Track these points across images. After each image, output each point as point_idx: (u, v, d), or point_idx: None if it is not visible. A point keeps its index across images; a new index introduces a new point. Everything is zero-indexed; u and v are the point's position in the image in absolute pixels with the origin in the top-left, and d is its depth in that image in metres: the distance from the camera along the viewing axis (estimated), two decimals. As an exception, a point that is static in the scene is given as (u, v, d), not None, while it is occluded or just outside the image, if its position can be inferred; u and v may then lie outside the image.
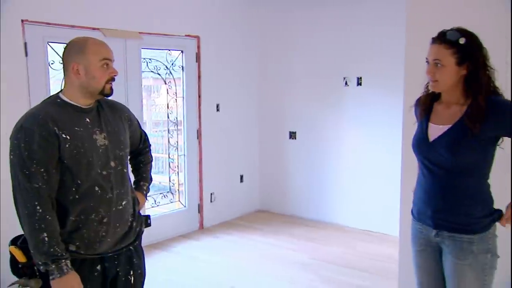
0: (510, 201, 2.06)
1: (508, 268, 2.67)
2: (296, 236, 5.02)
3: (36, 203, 1.76)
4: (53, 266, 1.75)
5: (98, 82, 1.89)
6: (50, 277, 1.77)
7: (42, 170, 1.78)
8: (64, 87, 1.95)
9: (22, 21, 3.65)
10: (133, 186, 2.16)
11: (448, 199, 2.02)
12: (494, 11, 2.73)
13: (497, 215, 2.04)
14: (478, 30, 2.00)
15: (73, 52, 1.89)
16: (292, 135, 5.66)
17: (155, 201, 5.01)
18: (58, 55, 3.92)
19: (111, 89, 1.96)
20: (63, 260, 1.77)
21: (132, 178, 2.24)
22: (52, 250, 1.75)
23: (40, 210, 1.76)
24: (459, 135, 1.96)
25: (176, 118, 5.10)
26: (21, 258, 1.82)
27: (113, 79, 1.95)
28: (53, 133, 1.80)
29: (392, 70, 4.56)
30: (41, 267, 1.77)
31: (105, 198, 1.90)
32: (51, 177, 1.80)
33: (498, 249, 2.05)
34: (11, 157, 1.81)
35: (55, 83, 3.98)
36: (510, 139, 2.04)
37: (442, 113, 2.07)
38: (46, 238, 1.75)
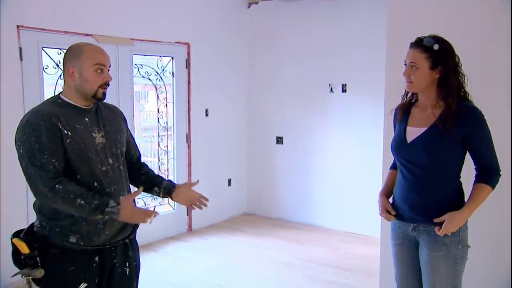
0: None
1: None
2: (282, 237, 5.15)
3: (55, 184, 1.86)
4: (105, 215, 1.90)
5: (91, 85, 1.98)
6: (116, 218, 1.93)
7: (54, 160, 1.88)
8: (63, 89, 2.05)
9: (18, 26, 3.75)
10: (159, 189, 2.30)
11: (423, 194, 2.19)
12: (473, 21, 2.92)
13: None
14: (454, 40, 2.18)
15: (70, 55, 2.00)
16: (279, 140, 5.80)
17: (144, 203, 5.09)
18: (52, 60, 4.02)
19: (104, 94, 2.03)
20: (108, 204, 1.90)
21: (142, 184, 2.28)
22: (93, 205, 1.87)
23: (60, 187, 1.86)
24: (434, 137, 2.14)
25: (166, 123, 5.20)
26: (24, 249, 1.91)
27: (107, 84, 2.03)
28: (57, 127, 1.91)
29: (375, 77, 4.74)
30: (106, 218, 1.92)
31: (103, 193, 2.00)
32: (61, 165, 1.91)
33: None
34: (20, 151, 1.90)
35: (48, 87, 4.07)
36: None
37: (418, 116, 2.25)
38: (82, 202, 1.87)
